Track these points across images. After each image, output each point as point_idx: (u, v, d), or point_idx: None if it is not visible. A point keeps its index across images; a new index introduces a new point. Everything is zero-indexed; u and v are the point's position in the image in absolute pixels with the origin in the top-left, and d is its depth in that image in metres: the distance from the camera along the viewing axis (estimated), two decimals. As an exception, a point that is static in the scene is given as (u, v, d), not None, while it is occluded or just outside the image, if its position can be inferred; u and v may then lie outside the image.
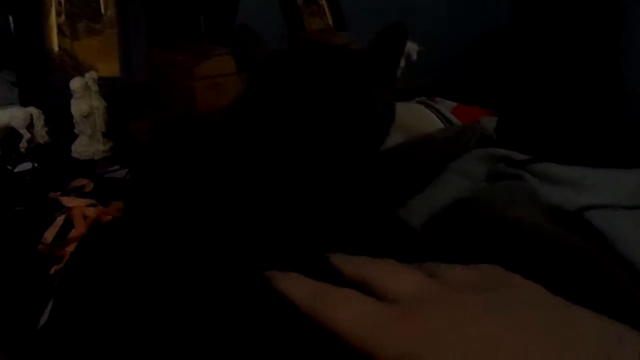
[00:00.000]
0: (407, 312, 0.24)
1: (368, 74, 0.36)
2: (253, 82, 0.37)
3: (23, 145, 0.95)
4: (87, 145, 0.93)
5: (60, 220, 0.65)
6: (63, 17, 1.10)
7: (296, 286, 0.27)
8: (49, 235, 0.63)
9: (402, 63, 1.12)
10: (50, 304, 0.45)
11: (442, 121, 0.68)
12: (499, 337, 0.22)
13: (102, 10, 1.12)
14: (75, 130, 0.94)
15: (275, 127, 0.33)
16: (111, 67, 1.12)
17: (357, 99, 0.35)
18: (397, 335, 0.23)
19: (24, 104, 0.98)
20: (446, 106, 0.75)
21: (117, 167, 0.85)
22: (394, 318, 0.24)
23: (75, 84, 0.90)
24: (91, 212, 0.67)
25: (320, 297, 0.26)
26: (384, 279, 0.26)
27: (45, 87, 1.07)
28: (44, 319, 0.45)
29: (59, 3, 1.09)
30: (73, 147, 0.94)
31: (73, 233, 0.64)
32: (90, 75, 0.92)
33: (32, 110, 0.95)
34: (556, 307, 0.25)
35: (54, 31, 1.09)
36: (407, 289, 0.25)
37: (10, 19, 1.04)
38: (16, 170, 0.84)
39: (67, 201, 0.70)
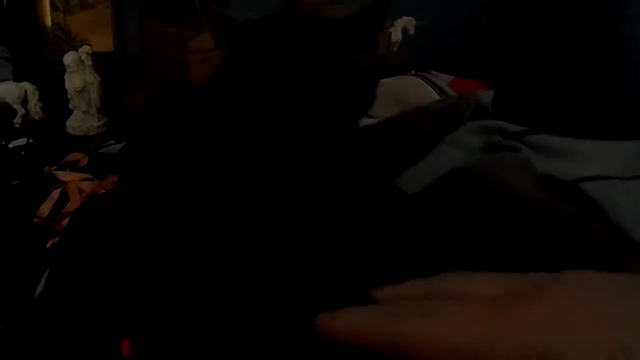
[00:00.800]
0: (506, 305, 0.21)
1: (349, 38, 0.36)
2: (234, 49, 0.36)
3: (18, 120, 0.94)
4: (81, 121, 0.93)
5: (55, 194, 0.65)
6: (55, -9, 1.08)
7: (352, 315, 0.23)
8: (45, 209, 0.63)
9: (399, 37, 1.11)
10: (46, 274, 0.46)
11: (438, 94, 0.68)
12: (607, 313, 0.19)
13: (95, -16, 1.10)
14: (70, 106, 0.93)
15: (262, 92, 0.33)
16: (104, 41, 1.11)
17: (340, 61, 0.34)
18: (506, 329, 0.20)
19: (17, 79, 0.98)
20: (443, 79, 0.74)
21: (112, 142, 0.85)
22: (496, 313, 0.21)
23: (69, 58, 0.90)
24: (86, 186, 0.67)
25: (396, 313, 0.22)
26: (457, 287, 0.23)
27: (38, 62, 1.06)
28: (40, 287, 0.45)
29: (51, -24, 1.07)
30: (68, 123, 0.94)
31: (69, 207, 0.64)
32: (84, 50, 0.91)
33: (26, 85, 0.95)
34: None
35: (47, 5, 1.07)
36: (487, 289, 0.22)
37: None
38: (10, 145, 0.84)
39: (62, 175, 0.70)
